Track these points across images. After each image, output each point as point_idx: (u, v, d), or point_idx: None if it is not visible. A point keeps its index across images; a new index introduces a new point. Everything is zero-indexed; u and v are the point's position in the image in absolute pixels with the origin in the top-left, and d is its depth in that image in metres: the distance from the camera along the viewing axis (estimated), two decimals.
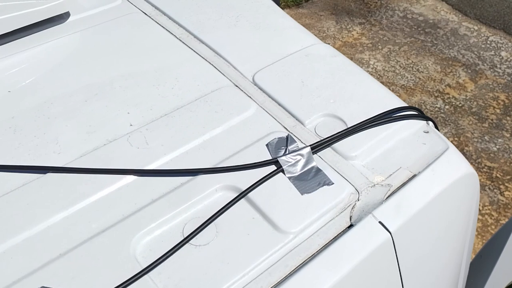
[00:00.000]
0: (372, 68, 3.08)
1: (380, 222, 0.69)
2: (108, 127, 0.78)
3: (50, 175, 0.70)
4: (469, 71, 3.03)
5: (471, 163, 2.47)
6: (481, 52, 3.13)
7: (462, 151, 2.54)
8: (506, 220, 2.23)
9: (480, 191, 2.34)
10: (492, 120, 2.73)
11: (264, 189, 0.72)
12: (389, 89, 2.95)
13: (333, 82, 0.88)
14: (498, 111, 2.79)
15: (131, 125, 0.79)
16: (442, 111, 2.80)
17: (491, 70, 3.03)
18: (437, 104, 2.85)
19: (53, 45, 0.91)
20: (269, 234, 0.67)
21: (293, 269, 0.64)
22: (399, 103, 0.86)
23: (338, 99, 0.85)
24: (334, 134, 0.79)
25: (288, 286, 0.62)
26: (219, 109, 0.82)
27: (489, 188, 2.37)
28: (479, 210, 2.26)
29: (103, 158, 0.73)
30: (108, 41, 0.92)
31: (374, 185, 0.74)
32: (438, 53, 3.17)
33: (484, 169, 2.46)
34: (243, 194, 0.70)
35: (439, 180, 0.76)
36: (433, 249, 0.78)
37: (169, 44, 0.94)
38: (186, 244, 0.65)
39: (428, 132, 0.83)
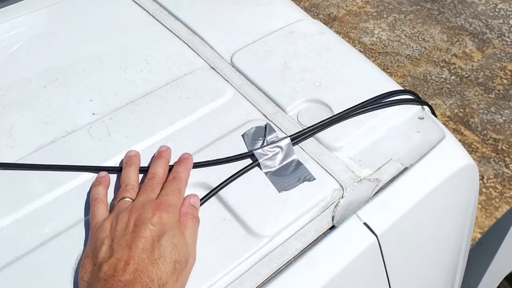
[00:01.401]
0: (376, 38, 2.99)
1: (365, 224, 0.62)
2: (67, 117, 0.71)
3: None
4: (476, 40, 2.93)
5: (477, 135, 2.42)
6: (489, 21, 3.02)
7: (467, 122, 2.49)
8: (511, 193, 2.18)
9: (485, 164, 2.29)
10: (499, 90, 2.65)
11: (237, 186, 0.65)
12: (394, 59, 2.89)
13: (319, 63, 0.80)
14: (505, 81, 2.71)
15: (93, 114, 0.71)
16: (447, 81, 2.73)
17: (499, 39, 2.92)
18: (442, 74, 2.76)
19: (8, 26, 0.83)
20: (241, 237, 0.61)
21: (266, 278, 0.58)
22: (392, 86, 0.78)
23: (324, 83, 0.77)
24: (318, 123, 0.71)
25: None
26: (191, 95, 0.74)
27: (494, 161, 2.32)
28: (483, 183, 2.22)
29: (61, 152, 0.66)
30: (71, 19, 0.84)
31: (361, 179, 0.67)
32: (445, 21, 3.07)
33: (490, 141, 2.40)
34: (212, 193, 0.63)
35: (434, 174, 0.69)
36: (426, 252, 0.71)
37: (141, 21, 0.85)
38: None
39: (423, 118, 0.75)
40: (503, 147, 2.38)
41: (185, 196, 0.61)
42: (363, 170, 0.68)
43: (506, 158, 2.33)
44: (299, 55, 0.80)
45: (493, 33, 2.96)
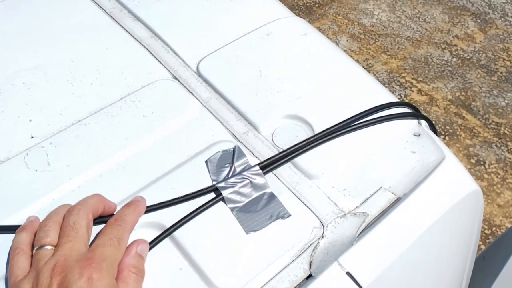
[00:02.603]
0: (376, 19, 2.88)
1: (348, 273, 0.52)
2: (1, 141, 0.60)
3: None
4: (479, 20, 2.82)
5: (478, 119, 2.34)
6: (492, 0, 2.90)
7: (469, 106, 2.41)
8: None
9: (487, 149, 2.22)
10: (501, 73, 2.57)
11: (196, 227, 0.54)
12: (394, 41, 2.77)
13: (300, 70, 0.69)
14: (508, 63, 2.62)
15: (32, 137, 0.61)
16: (449, 64, 2.63)
17: (502, 19, 2.81)
18: (444, 56, 2.67)
19: None
20: None
21: None
22: (384, 96, 0.67)
23: (305, 95, 0.66)
24: (296, 145, 0.61)
25: None
26: (148, 112, 0.63)
27: (496, 145, 2.25)
28: (485, 168, 2.14)
29: None
30: (12, 20, 0.73)
31: (345, 214, 0.57)
32: (446, 1, 2.96)
33: (492, 125, 2.32)
34: (165, 235, 0.53)
35: (432, 206, 0.58)
36: None
37: (95, 22, 0.74)
38: None
39: (419, 135, 0.65)
40: (506, 131, 2.31)
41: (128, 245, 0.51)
42: (348, 201, 0.58)
43: (509, 143, 2.26)
44: (276, 62, 0.69)
45: (496, 13, 2.85)
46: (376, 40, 2.75)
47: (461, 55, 2.67)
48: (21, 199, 0.55)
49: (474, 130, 2.30)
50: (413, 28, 2.84)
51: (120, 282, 0.47)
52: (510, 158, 2.20)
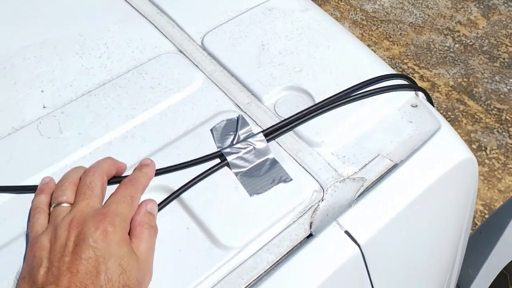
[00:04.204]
0: (379, 5, 2.89)
1: (346, 232, 0.55)
2: (15, 111, 0.63)
3: None
4: (482, 6, 2.82)
5: (480, 105, 2.35)
6: None
7: (471, 92, 2.42)
8: None
9: (488, 134, 2.24)
10: (504, 59, 2.57)
11: (203, 189, 0.57)
12: (397, 27, 2.77)
13: (301, 44, 0.71)
14: (511, 49, 2.63)
15: (44, 107, 0.64)
16: (451, 50, 2.64)
17: (505, 5, 2.81)
18: (446, 42, 2.67)
19: None
20: (206, 249, 0.53)
21: None
22: (383, 70, 0.70)
23: (306, 68, 0.68)
24: (297, 113, 0.63)
25: None
26: (155, 84, 0.66)
27: (497, 131, 2.27)
28: (486, 154, 2.16)
29: (4, 153, 0.59)
30: None
31: (344, 179, 0.59)
32: None
33: (494, 111, 2.34)
34: (173, 197, 0.56)
35: (427, 171, 0.61)
36: (418, 261, 0.64)
37: None
38: None
39: (416, 106, 0.67)
40: (507, 117, 2.32)
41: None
42: (347, 168, 0.61)
43: (510, 129, 2.28)
44: (278, 36, 0.72)
45: None
46: (379, 26, 2.76)
47: (464, 41, 2.68)
48: (36, 164, 0.58)
49: (476, 116, 2.31)
50: (415, 14, 2.84)
51: (133, 238, 0.50)
52: (511, 144, 2.22)
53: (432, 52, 2.63)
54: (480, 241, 1.06)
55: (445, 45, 2.67)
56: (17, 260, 0.51)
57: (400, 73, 0.70)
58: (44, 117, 0.62)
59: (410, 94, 0.68)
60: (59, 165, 0.58)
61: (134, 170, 0.56)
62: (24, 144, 0.60)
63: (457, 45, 2.67)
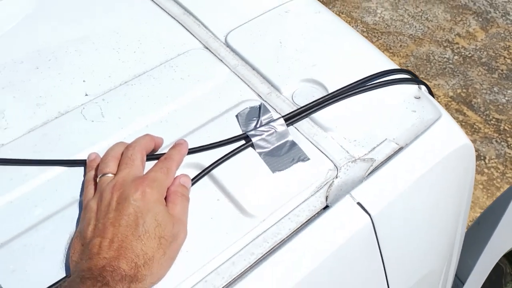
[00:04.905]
0: (379, 17, 2.96)
1: (359, 203, 0.62)
2: (60, 98, 0.70)
3: None
4: (480, 19, 2.90)
5: (479, 115, 2.42)
6: None
7: (470, 103, 2.48)
8: None
9: (487, 144, 2.30)
10: (502, 70, 2.64)
11: (230, 166, 0.64)
12: (397, 39, 2.85)
13: (315, 42, 0.79)
14: (509, 61, 2.69)
15: (86, 95, 0.71)
16: (450, 61, 2.71)
17: (503, 18, 2.89)
18: (445, 54, 2.74)
19: None
20: (235, 218, 0.60)
21: (259, 257, 0.58)
22: (389, 65, 0.77)
23: (320, 63, 0.76)
24: (313, 102, 0.70)
25: (253, 278, 0.56)
26: (185, 76, 0.73)
27: (496, 141, 2.32)
28: (485, 163, 2.22)
29: (52, 134, 0.66)
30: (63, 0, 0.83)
31: (355, 159, 0.67)
32: (448, 0, 3.03)
33: (492, 122, 2.40)
34: (205, 172, 0.63)
35: (429, 154, 0.68)
36: (422, 232, 0.71)
37: (134, 1, 0.84)
38: None
39: (419, 98, 0.74)
40: (506, 127, 2.38)
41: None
42: (358, 150, 0.68)
43: (509, 139, 2.33)
44: (294, 35, 0.79)
45: (497, 12, 2.93)
46: (379, 38, 2.83)
47: (463, 53, 2.75)
48: (82, 143, 0.65)
49: (474, 126, 2.37)
50: (415, 27, 2.91)
51: (168, 203, 0.58)
52: (510, 153, 2.28)
53: (432, 64, 2.70)
54: (478, 231, 1.12)
55: (445, 57, 2.74)
56: (69, 224, 0.58)
57: (404, 68, 0.78)
58: (87, 104, 0.69)
59: (414, 87, 0.75)
60: (102, 144, 0.65)
61: (169, 149, 0.64)
62: (70, 126, 0.67)
63: (456, 57, 2.74)
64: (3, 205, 0.60)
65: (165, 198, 0.58)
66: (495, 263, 1.12)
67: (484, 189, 2.17)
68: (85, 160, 0.63)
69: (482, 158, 2.24)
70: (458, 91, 2.56)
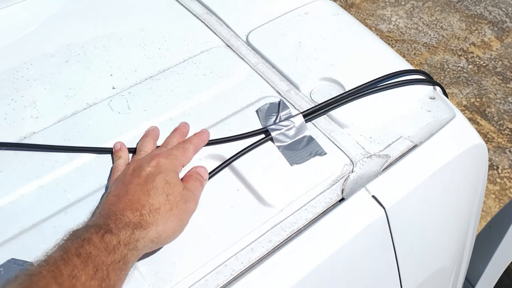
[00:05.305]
0: (394, 25, 2.98)
1: (373, 197, 0.64)
2: (88, 91, 0.74)
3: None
4: (496, 29, 2.90)
5: (493, 125, 2.41)
6: (509, 9, 2.99)
7: (483, 112, 2.48)
8: None
9: (500, 154, 2.29)
10: None
11: (250, 159, 0.67)
12: (411, 47, 2.85)
13: (333, 43, 0.81)
14: None
15: (113, 88, 0.74)
16: (465, 70, 2.71)
17: None
18: (460, 63, 2.75)
19: (32, 3, 0.85)
20: (254, 207, 0.63)
21: (277, 244, 0.60)
22: (405, 66, 0.79)
23: (338, 62, 0.78)
24: (330, 100, 0.73)
25: (270, 264, 0.58)
26: (207, 72, 0.76)
27: (509, 151, 2.32)
28: (498, 173, 2.22)
29: (81, 124, 0.69)
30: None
31: (371, 155, 0.69)
32: (464, 9, 3.04)
33: (506, 131, 2.40)
34: (226, 163, 0.66)
35: (443, 152, 0.70)
36: (433, 228, 0.72)
37: (159, 0, 0.87)
38: None
39: (434, 98, 0.77)
40: None
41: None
42: (373, 146, 0.70)
43: None
44: (313, 35, 0.82)
45: None
46: (393, 46, 2.85)
47: (477, 62, 2.75)
48: (109, 133, 0.68)
49: (488, 136, 2.37)
50: (430, 35, 2.92)
51: (183, 181, 0.61)
52: None
53: (446, 72, 2.71)
54: (489, 235, 1.13)
55: (459, 66, 2.74)
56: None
57: (420, 69, 0.80)
58: (114, 96, 0.73)
59: (429, 88, 0.77)
60: (129, 134, 0.68)
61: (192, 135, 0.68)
62: (98, 117, 0.70)
63: (470, 66, 2.74)
64: (35, 189, 0.63)
65: (181, 180, 0.62)
66: (505, 267, 1.13)
67: (496, 198, 2.16)
68: (112, 148, 0.66)
69: (495, 168, 2.24)
70: (472, 100, 2.56)
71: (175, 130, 0.69)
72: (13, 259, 0.57)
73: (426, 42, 2.88)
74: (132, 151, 0.67)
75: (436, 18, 3.01)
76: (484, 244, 1.13)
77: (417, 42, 2.90)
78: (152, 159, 0.60)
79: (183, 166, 0.64)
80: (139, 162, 0.61)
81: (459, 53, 2.82)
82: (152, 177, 0.57)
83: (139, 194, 0.55)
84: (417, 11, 3.06)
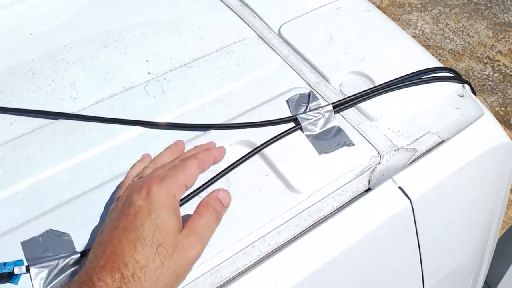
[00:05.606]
0: (419, 30, 2.97)
1: (400, 188, 0.65)
2: (125, 75, 0.76)
3: (63, 121, 0.69)
4: None
5: None
6: None
7: (508, 121, 2.46)
8: None
9: None
10: None
11: (280, 146, 0.69)
12: (436, 53, 2.84)
13: (364, 38, 0.83)
14: None
15: (149, 73, 0.77)
16: (490, 78, 2.69)
17: None
18: (485, 71, 2.73)
19: None
20: (282, 192, 0.65)
21: (303, 229, 0.62)
22: (434, 63, 0.80)
23: (368, 57, 0.80)
24: (359, 93, 0.74)
25: (297, 247, 0.60)
26: (240, 61, 0.78)
27: None
28: None
29: (118, 106, 0.72)
30: None
31: (398, 149, 0.70)
32: (492, 17, 3.01)
33: None
34: (257, 150, 0.67)
35: (470, 148, 0.71)
36: (457, 221, 0.73)
37: None
38: (196, 197, 0.63)
39: (463, 96, 0.77)
40: None
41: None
42: (401, 140, 0.71)
43: None
44: (344, 30, 0.84)
45: None
46: None
47: (503, 71, 2.73)
48: (144, 116, 0.71)
49: None
50: (455, 41, 2.90)
51: (195, 213, 0.52)
52: None
53: (471, 80, 2.69)
54: (510, 239, 1.13)
55: (484, 74, 2.72)
56: None
57: (449, 67, 0.81)
58: (149, 81, 0.75)
59: (458, 85, 0.78)
60: (163, 117, 0.71)
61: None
62: (134, 100, 0.73)
63: (496, 74, 2.72)
64: (72, 165, 0.66)
65: (195, 210, 0.53)
66: None
67: None
68: (152, 122, 0.67)
69: None
70: (496, 109, 2.54)
71: (168, 147, 0.62)
72: (51, 230, 0.60)
73: (451, 49, 2.87)
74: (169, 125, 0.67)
75: (463, 25, 2.99)
76: (506, 248, 1.13)
77: (442, 48, 2.88)
78: (143, 186, 0.50)
79: (187, 188, 0.54)
80: (131, 190, 0.52)
81: (485, 61, 2.80)
82: (140, 220, 0.47)
83: (123, 245, 0.46)
84: (444, 17, 3.04)
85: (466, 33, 2.95)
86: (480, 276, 0.94)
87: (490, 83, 2.68)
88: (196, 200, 0.62)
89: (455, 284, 0.82)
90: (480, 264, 0.88)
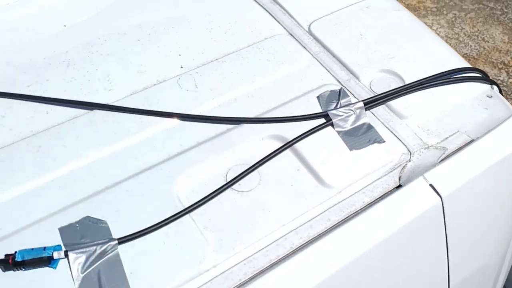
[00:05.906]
0: None
1: (431, 185, 0.66)
2: (158, 68, 0.77)
3: (98, 111, 0.71)
4: None
5: None
6: None
7: None
8: None
9: None
10: None
11: (311, 141, 0.69)
12: None
13: (393, 37, 0.83)
14: None
15: (181, 67, 0.78)
16: (504, 84, 2.67)
17: None
18: (500, 76, 2.71)
19: None
20: (313, 187, 0.65)
21: (335, 223, 0.63)
22: (462, 63, 0.81)
23: (397, 55, 0.80)
24: (390, 91, 0.75)
25: (329, 241, 0.60)
26: (271, 58, 0.79)
27: None
28: None
29: (152, 98, 0.73)
30: None
31: (428, 147, 0.71)
32: (508, 22, 3.00)
33: None
34: (289, 144, 0.68)
35: (498, 148, 0.71)
36: (484, 220, 0.74)
37: None
38: (229, 189, 0.64)
39: (491, 96, 0.78)
40: None
41: None
42: (431, 138, 0.72)
43: None
44: (374, 29, 0.84)
45: None
46: None
47: None
48: (177, 109, 0.72)
49: None
50: (470, 46, 2.88)
51: None
52: None
53: (489, 76, 2.67)
54: None
55: (499, 79, 2.71)
56: (166, 176, 0.64)
57: (478, 68, 0.81)
58: (182, 75, 0.76)
59: (486, 86, 0.79)
60: (196, 111, 0.72)
61: None
62: (168, 93, 0.74)
63: (511, 80, 2.70)
64: (108, 155, 0.67)
65: None
66: None
67: None
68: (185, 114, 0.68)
69: None
70: None
71: None
72: (88, 216, 0.61)
73: (466, 53, 2.85)
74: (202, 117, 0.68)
75: (478, 30, 2.97)
76: None
77: (457, 52, 2.86)
78: None
79: None
80: None
81: (500, 66, 2.78)
82: None
83: None
84: (459, 21, 3.03)
85: (481, 37, 2.94)
86: (500, 277, 0.94)
87: (505, 88, 2.67)
88: (227, 192, 0.63)
89: (478, 283, 0.83)
90: (501, 265, 0.89)
